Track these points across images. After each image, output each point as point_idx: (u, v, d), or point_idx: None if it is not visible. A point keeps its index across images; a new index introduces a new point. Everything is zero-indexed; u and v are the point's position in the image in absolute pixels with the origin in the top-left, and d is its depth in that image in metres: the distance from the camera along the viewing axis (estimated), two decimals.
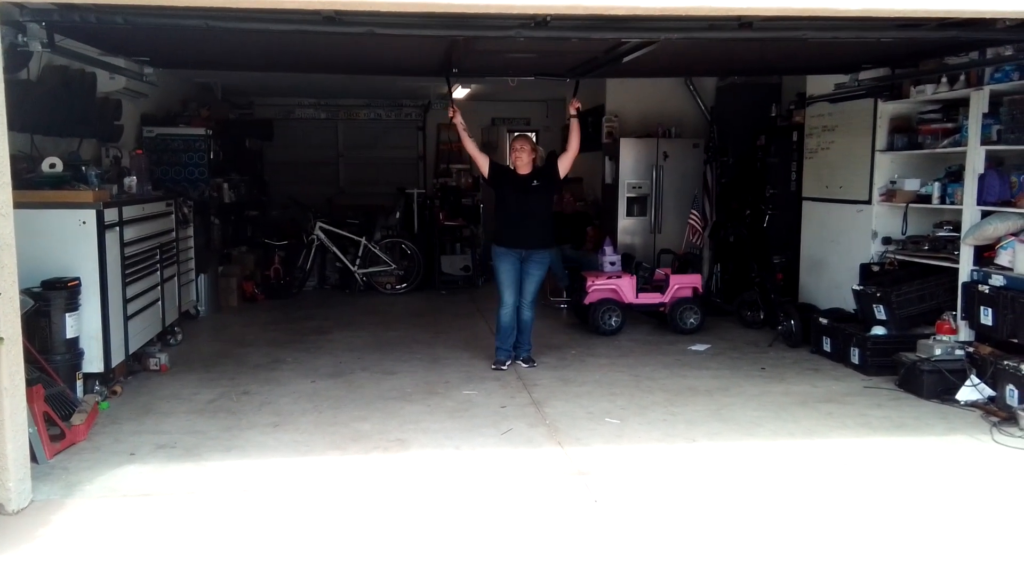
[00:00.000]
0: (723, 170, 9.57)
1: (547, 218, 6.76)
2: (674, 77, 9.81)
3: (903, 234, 7.02)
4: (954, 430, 5.16)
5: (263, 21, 4.65)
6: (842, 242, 7.60)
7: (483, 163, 6.68)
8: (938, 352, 5.90)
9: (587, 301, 7.96)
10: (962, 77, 6.30)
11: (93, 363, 5.55)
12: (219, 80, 10.70)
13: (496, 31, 5.18)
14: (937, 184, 6.58)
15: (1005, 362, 5.46)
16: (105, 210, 5.60)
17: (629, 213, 9.83)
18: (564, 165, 6.62)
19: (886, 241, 7.14)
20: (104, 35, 5.45)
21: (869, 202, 7.21)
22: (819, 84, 7.91)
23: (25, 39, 3.97)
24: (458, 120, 6.65)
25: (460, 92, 10.39)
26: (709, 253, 9.42)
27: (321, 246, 10.43)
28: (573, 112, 6.57)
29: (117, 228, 5.85)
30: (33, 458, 4.23)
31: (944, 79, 6.46)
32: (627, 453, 4.77)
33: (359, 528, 3.79)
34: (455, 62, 6.66)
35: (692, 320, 7.94)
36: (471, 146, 6.75)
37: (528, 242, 6.54)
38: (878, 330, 6.53)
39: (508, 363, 6.60)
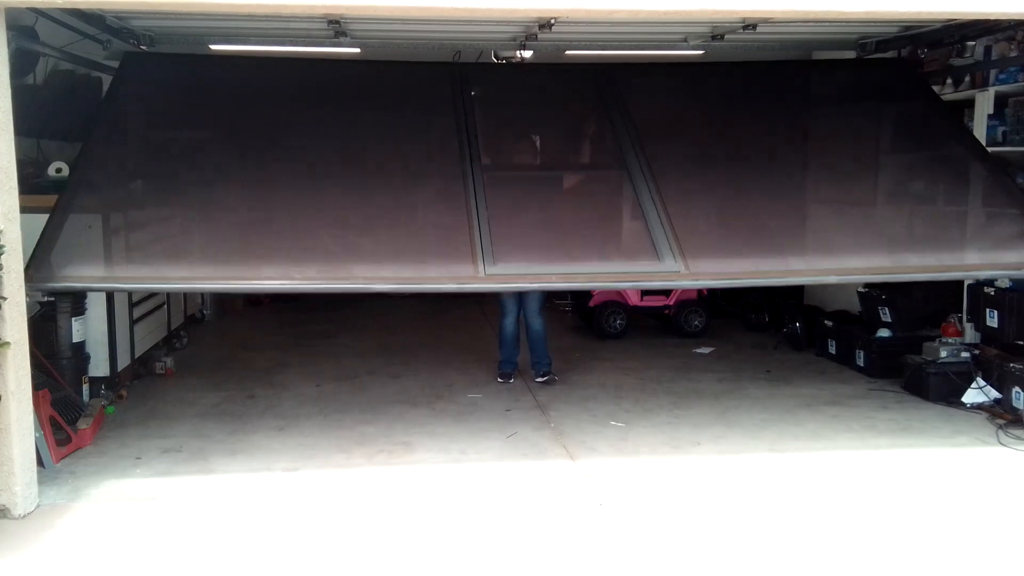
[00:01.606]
0: None
1: None
2: None
3: None
4: (960, 432, 5.14)
5: None
6: None
7: None
8: (944, 354, 5.88)
9: (592, 304, 7.95)
10: (967, 78, 6.29)
11: (99, 367, 5.56)
12: None
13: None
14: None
15: (1011, 364, 5.44)
16: (111, 214, 5.61)
17: None
18: None
19: None
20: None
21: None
22: None
23: None
24: None
25: None
26: None
27: None
28: None
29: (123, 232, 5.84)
30: (39, 462, 4.24)
31: (949, 80, 6.44)
32: (632, 456, 4.77)
33: (366, 532, 3.80)
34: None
35: (697, 323, 7.93)
36: None
37: None
38: (883, 332, 6.51)
39: (514, 376, 6.32)
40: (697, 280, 4.67)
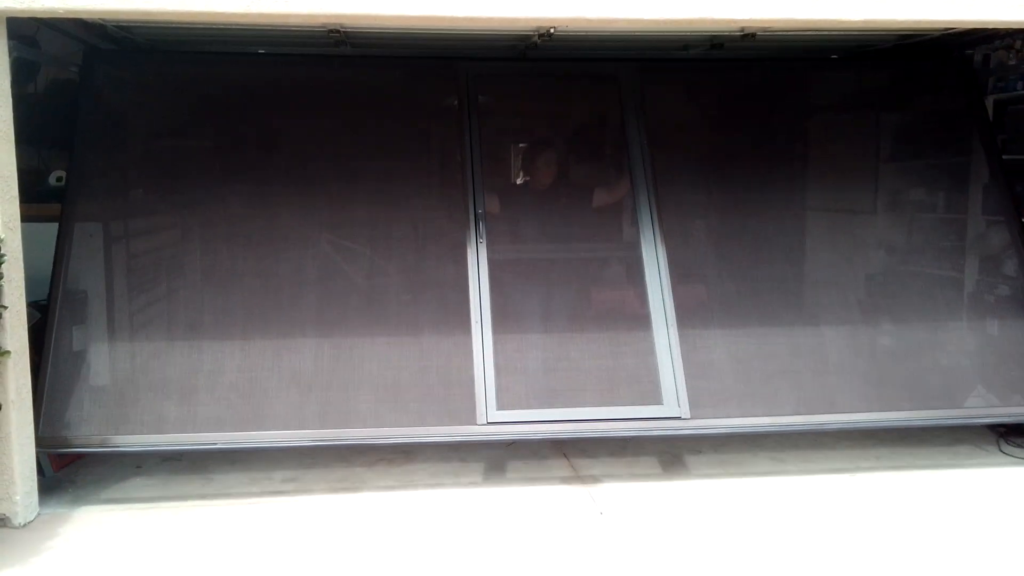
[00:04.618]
0: None
1: None
2: None
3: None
4: (960, 441, 5.14)
5: None
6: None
7: None
8: None
9: None
10: None
11: (100, 376, 5.55)
12: None
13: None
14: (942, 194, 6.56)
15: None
16: (112, 223, 5.62)
17: None
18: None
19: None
20: None
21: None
22: None
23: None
24: None
25: None
26: None
27: None
28: None
29: (124, 241, 5.85)
30: (40, 471, 4.24)
31: None
32: (633, 464, 4.77)
33: (365, 538, 3.80)
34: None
35: None
36: None
37: None
38: None
39: None
40: (700, 431, 4.63)
